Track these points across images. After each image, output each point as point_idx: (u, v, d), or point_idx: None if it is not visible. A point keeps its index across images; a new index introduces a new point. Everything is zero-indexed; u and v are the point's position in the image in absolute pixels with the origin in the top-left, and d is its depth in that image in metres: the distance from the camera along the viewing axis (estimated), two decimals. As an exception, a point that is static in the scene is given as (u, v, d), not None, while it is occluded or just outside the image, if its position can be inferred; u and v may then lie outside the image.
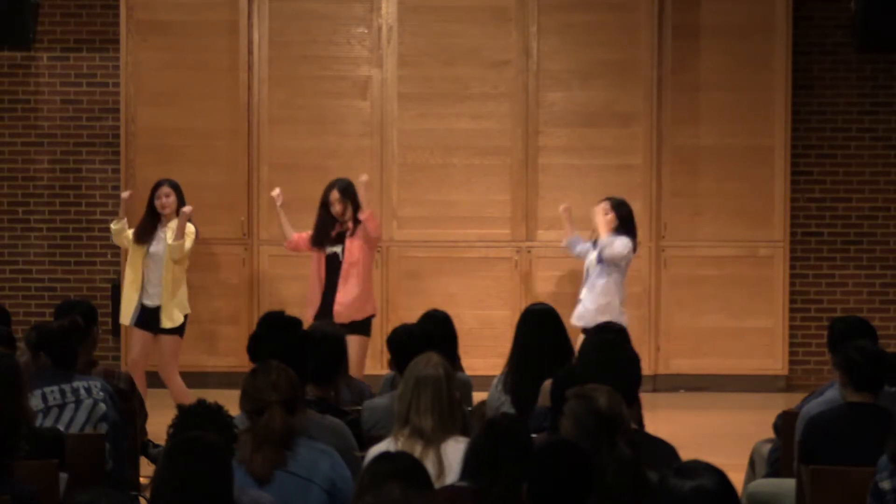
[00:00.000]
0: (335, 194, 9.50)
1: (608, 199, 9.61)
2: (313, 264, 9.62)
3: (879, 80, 11.59)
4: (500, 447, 4.33)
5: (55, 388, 6.11)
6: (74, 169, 11.66)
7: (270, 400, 4.75)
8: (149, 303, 9.34)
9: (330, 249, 9.54)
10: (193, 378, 10.08)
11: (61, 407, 6.09)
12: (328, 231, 9.55)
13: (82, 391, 6.13)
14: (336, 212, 9.50)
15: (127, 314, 9.40)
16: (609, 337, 5.70)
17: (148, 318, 9.36)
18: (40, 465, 5.36)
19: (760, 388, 11.12)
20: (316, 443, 4.87)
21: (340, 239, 9.52)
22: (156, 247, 9.35)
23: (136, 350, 9.45)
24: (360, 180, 9.69)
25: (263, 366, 4.91)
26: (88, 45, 11.62)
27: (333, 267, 9.52)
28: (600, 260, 9.39)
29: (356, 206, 9.55)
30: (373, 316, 9.70)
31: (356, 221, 9.51)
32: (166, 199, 9.36)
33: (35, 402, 6.05)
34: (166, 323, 9.35)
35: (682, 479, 3.42)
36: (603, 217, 9.48)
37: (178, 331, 9.42)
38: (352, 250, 9.48)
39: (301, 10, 11.18)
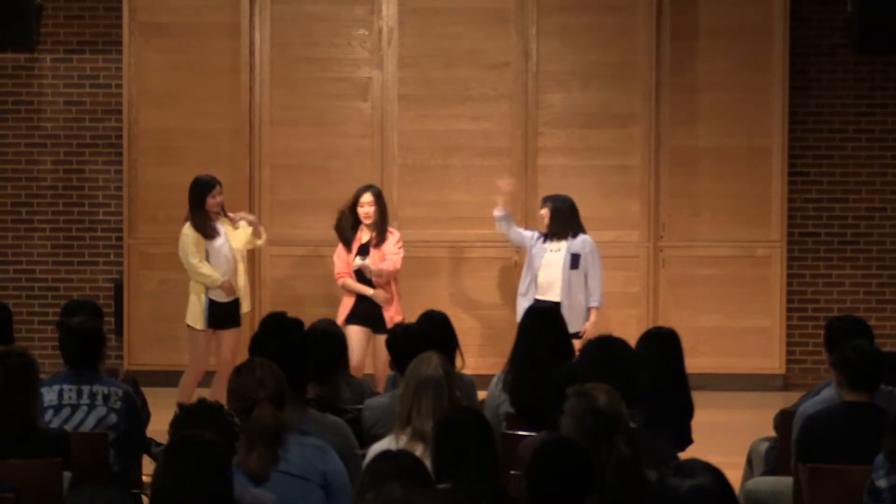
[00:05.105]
0: (368, 196, 9.44)
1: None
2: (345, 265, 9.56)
3: (876, 82, 11.63)
4: (454, 441, 4.37)
5: (74, 387, 6.05)
6: (77, 170, 11.69)
7: (258, 396, 4.72)
8: (216, 298, 9.26)
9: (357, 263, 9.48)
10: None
11: (74, 407, 6.04)
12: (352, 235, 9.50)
13: (100, 397, 6.05)
14: (365, 214, 9.43)
15: (196, 316, 9.27)
16: (612, 339, 5.72)
17: (216, 314, 9.27)
18: (44, 463, 5.38)
19: (758, 387, 11.15)
20: (307, 437, 4.85)
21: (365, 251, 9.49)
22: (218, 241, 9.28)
23: (205, 352, 9.29)
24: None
25: (248, 363, 4.88)
26: (91, 46, 11.65)
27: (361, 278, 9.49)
28: (575, 266, 9.54)
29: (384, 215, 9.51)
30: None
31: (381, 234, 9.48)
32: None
33: (51, 396, 6.03)
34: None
35: (680, 478, 3.44)
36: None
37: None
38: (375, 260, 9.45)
39: (302, 12, 11.21)
